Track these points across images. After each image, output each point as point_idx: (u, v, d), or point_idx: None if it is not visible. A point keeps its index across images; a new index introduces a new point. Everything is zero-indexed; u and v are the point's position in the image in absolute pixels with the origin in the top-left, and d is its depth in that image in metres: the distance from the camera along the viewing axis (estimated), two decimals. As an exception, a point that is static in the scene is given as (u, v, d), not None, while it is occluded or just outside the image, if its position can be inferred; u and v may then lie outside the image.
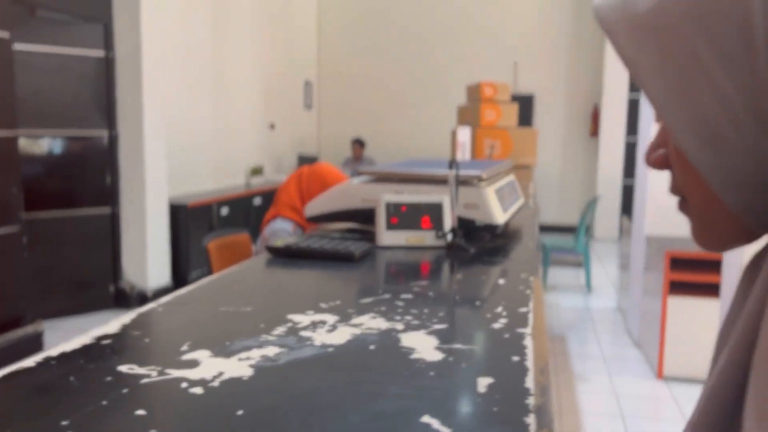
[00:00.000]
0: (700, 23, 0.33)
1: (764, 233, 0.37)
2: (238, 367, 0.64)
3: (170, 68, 4.38)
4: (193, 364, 0.65)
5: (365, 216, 1.35)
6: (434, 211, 1.26)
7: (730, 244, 0.39)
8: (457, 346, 0.70)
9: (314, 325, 0.76)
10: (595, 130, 6.48)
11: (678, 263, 2.66)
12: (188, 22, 4.78)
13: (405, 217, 1.26)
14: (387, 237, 1.25)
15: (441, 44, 6.92)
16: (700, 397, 0.39)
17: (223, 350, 0.68)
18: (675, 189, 0.41)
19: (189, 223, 4.47)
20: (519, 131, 3.63)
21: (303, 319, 0.79)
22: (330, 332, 0.74)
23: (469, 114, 3.76)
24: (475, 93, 3.76)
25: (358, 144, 6.48)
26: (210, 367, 0.65)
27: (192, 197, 4.68)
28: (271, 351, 0.68)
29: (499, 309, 0.84)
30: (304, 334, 0.73)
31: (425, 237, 1.26)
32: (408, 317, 0.79)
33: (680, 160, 0.38)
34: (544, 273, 4.41)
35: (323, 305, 0.84)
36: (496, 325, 0.77)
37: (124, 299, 3.70)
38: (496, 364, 0.65)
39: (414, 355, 0.66)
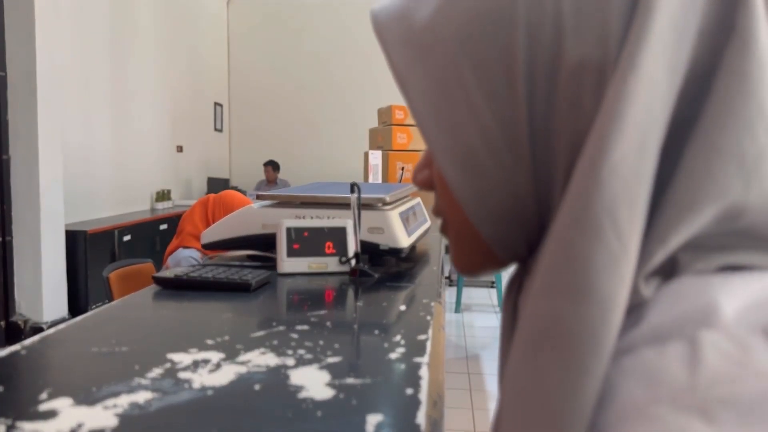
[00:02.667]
0: (466, 48, 0.34)
1: (512, 262, 0.39)
2: (102, 416, 0.57)
3: (67, 88, 4.14)
4: (51, 414, 0.57)
5: (266, 242, 1.29)
6: (337, 235, 1.22)
7: (483, 269, 0.40)
8: (350, 380, 0.65)
9: (195, 365, 0.70)
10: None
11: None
12: (86, 41, 4.55)
13: (307, 242, 1.21)
14: (288, 264, 1.20)
15: (354, 67, 6.96)
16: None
17: (87, 397, 0.61)
18: (436, 210, 0.41)
19: (89, 252, 4.21)
20: (430, 154, 3.66)
21: (184, 358, 0.72)
22: (212, 372, 0.68)
23: (380, 137, 3.76)
24: (386, 116, 3.78)
25: (271, 167, 6.37)
26: (69, 417, 0.57)
27: (92, 224, 4.42)
28: (143, 397, 0.61)
29: (398, 337, 0.80)
30: (183, 375, 0.67)
31: (328, 263, 1.21)
32: (301, 351, 0.74)
33: (441, 184, 0.38)
34: (458, 294, 4.45)
35: (209, 341, 0.78)
36: (393, 355, 0.73)
37: (17, 335, 3.41)
38: (388, 399, 0.61)
39: (302, 394, 0.61)
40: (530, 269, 0.35)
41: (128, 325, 0.89)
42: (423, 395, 0.61)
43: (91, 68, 4.62)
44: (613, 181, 0.29)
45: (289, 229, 1.21)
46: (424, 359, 0.72)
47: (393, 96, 6.00)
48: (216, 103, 7.02)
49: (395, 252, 1.26)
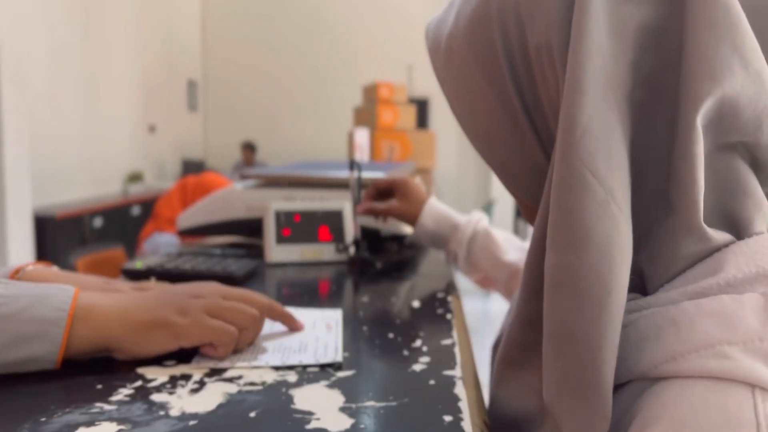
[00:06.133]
0: (469, 46, 0.42)
1: None
2: (50, 462, 0.43)
3: (34, 65, 3.91)
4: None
5: (251, 228, 1.14)
6: (333, 220, 1.07)
7: None
8: (369, 404, 0.52)
9: (173, 382, 0.56)
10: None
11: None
12: (55, 15, 4.30)
13: (299, 227, 1.07)
14: (277, 252, 1.06)
15: (335, 43, 6.75)
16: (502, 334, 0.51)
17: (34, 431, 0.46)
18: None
19: (58, 237, 4.01)
20: (417, 133, 3.52)
21: (159, 373, 0.58)
22: (194, 393, 0.54)
23: (365, 115, 3.61)
24: (371, 94, 3.62)
25: (249, 148, 6.16)
26: (5, 464, 0.43)
27: (61, 207, 4.20)
28: (106, 430, 0.47)
29: (418, 343, 0.67)
30: (157, 397, 0.53)
31: (323, 251, 1.07)
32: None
33: None
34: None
35: (191, 350, 0.63)
36: (417, 367, 0.60)
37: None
38: (423, 430, 0.48)
39: (312, 425, 0.48)
40: None
41: (90, 327, 0.73)
42: (467, 425, 0.48)
43: (60, 43, 4.37)
44: (587, 141, 0.33)
45: (278, 213, 1.06)
46: (457, 372, 0.58)
47: (377, 73, 5.82)
48: (190, 81, 6.77)
49: (398, 239, 1.13)
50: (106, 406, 0.51)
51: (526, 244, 0.93)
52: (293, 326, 0.67)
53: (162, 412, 0.50)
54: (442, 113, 6.60)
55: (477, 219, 0.96)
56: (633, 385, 0.34)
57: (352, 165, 0.99)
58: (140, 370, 0.58)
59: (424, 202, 0.97)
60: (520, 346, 0.45)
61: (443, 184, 6.44)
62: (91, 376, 0.56)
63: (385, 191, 1.00)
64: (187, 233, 1.16)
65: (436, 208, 0.97)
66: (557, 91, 0.37)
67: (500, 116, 0.41)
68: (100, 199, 4.76)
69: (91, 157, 4.87)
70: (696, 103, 0.34)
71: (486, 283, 0.96)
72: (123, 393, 0.53)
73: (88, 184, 4.87)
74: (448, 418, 0.49)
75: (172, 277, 0.90)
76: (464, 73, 0.42)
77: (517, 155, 0.42)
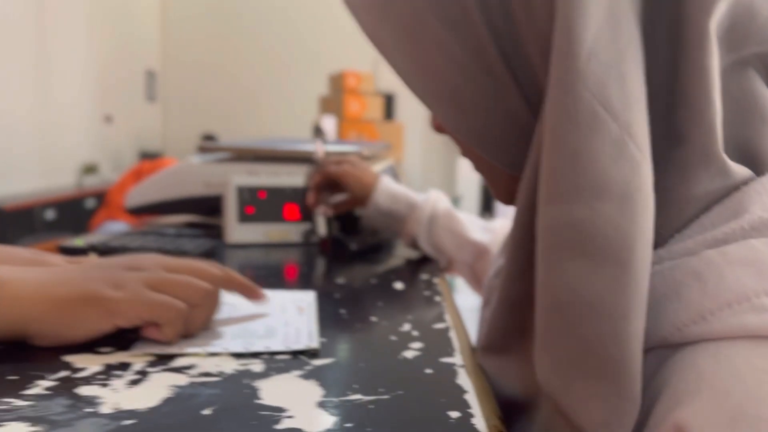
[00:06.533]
0: None
1: None
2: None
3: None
4: None
5: (210, 206, 1.03)
6: (301, 196, 0.97)
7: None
8: (355, 398, 0.41)
9: (108, 373, 0.44)
10: (454, 130, 6.51)
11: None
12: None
13: (264, 205, 0.96)
14: (239, 232, 0.94)
15: (299, 34, 6.60)
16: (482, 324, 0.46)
17: None
18: (462, 153, 0.42)
19: (6, 229, 3.78)
20: (385, 125, 3.44)
21: (90, 361, 0.46)
22: (133, 385, 0.43)
23: (331, 105, 3.50)
24: (337, 83, 3.51)
25: (209, 140, 5.98)
26: None
27: (10, 199, 3.97)
28: (16, 430, 0.36)
29: (406, 327, 0.57)
30: (86, 391, 0.41)
31: (290, 231, 0.96)
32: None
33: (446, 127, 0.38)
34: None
35: (130, 335, 0.52)
36: (409, 354, 0.50)
37: None
38: (425, 429, 0.38)
39: (283, 424, 0.37)
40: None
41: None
42: (479, 422, 0.38)
43: (10, 27, 4.13)
44: (594, 65, 0.27)
45: (240, 188, 0.95)
46: (456, 359, 0.49)
47: (343, 62, 5.70)
48: (148, 70, 6.53)
49: (373, 218, 1.03)
50: (18, 402, 0.40)
51: (494, 224, 0.86)
52: (255, 296, 0.56)
53: (89, 409, 0.39)
54: (407, 108, 6.51)
55: (435, 197, 0.89)
56: (650, 354, 0.29)
57: (317, 132, 0.89)
58: (67, 358, 0.47)
59: (376, 179, 0.89)
60: (502, 330, 0.40)
61: (409, 179, 6.36)
62: (4, 365, 0.45)
63: (333, 180, 0.91)
64: (137, 212, 1.04)
65: (390, 186, 0.89)
66: (547, 15, 0.30)
67: (468, 69, 0.33)
68: (52, 191, 4.54)
69: (42, 146, 4.63)
70: (707, 6, 0.29)
71: (449, 267, 0.89)
72: (42, 386, 0.42)
73: (40, 174, 4.63)
74: (454, 414, 0.39)
75: (116, 257, 0.78)
76: (412, 23, 0.34)
77: (494, 115, 0.34)
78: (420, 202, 0.87)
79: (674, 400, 0.26)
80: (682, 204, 0.31)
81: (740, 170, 0.31)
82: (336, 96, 3.47)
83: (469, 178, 6.49)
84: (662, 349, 0.29)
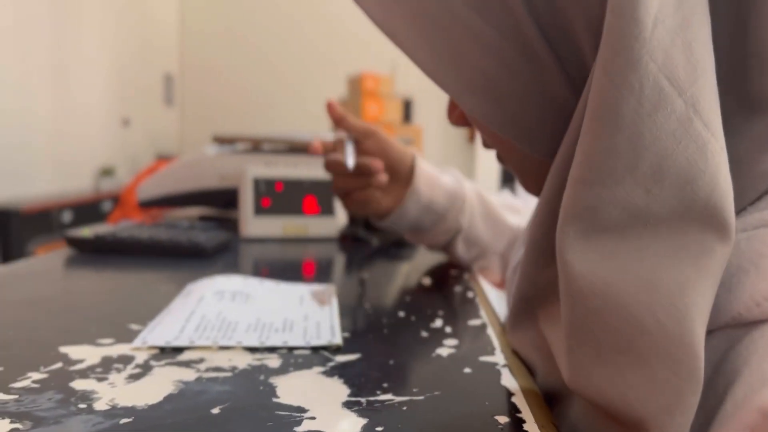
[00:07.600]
0: None
1: None
2: None
3: (3, 50, 3.70)
4: None
5: (226, 199, 0.98)
6: (321, 189, 0.92)
7: None
8: (386, 398, 0.36)
9: (106, 366, 0.39)
10: (472, 136, 6.45)
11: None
12: (27, 1, 4.09)
13: (281, 198, 0.91)
14: (255, 225, 0.89)
15: (316, 38, 6.59)
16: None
17: None
18: (484, 144, 0.39)
19: (23, 232, 3.78)
20: (405, 128, 3.39)
21: (89, 353, 0.41)
22: (133, 380, 0.38)
23: (349, 108, 3.46)
24: (355, 85, 3.47)
25: (227, 145, 5.98)
26: None
27: (27, 201, 3.98)
28: (2, 429, 0.31)
29: (438, 323, 0.52)
30: (80, 385, 0.36)
31: (309, 225, 0.91)
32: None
33: (474, 118, 0.36)
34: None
35: (134, 326, 0.47)
36: (443, 351, 0.45)
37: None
38: (470, 437, 0.32)
39: (305, 426, 0.32)
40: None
41: (19, 301, 0.57)
42: (532, 428, 0.33)
43: (31, 30, 4.15)
44: (660, 32, 0.24)
45: (257, 180, 0.90)
46: (498, 359, 0.43)
47: (361, 66, 5.67)
48: (166, 74, 6.55)
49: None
50: (3, 396, 0.35)
51: (515, 202, 0.75)
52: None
53: (82, 405, 0.34)
54: (425, 113, 6.46)
55: (460, 177, 0.74)
56: (718, 334, 0.27)
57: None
58: (63, 349, 0.42)
59: (413, 159, 0.72)
60: (521, 327, 0.38)
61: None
62: (5, 357, 0.40)
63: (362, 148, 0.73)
64: (150, 205, 0.99)
65: (426, 168, 0.72)
66: None
67: (503, 54, 0.30)
68: (69, 193, 4.54)
69: (60, 149, 4.64)
70: None
71: (481, 261, 0.75)
72: (32, 378, 0.37)
73: (57, 177, 4.64)
74: (503, 420, 0.34)
75: (126, 248, 0.74)
76: (436, 10, 0.30)
77: (531, 99, 0.31)
78: (456, 188, 0.72)
79: (759, 381, 0.24)
80: (756, 176, 0.29)
81: None
82: (354, 98, 3.43)
83: (486, 185, 6.43)
84: (732, 329, 0.26)
